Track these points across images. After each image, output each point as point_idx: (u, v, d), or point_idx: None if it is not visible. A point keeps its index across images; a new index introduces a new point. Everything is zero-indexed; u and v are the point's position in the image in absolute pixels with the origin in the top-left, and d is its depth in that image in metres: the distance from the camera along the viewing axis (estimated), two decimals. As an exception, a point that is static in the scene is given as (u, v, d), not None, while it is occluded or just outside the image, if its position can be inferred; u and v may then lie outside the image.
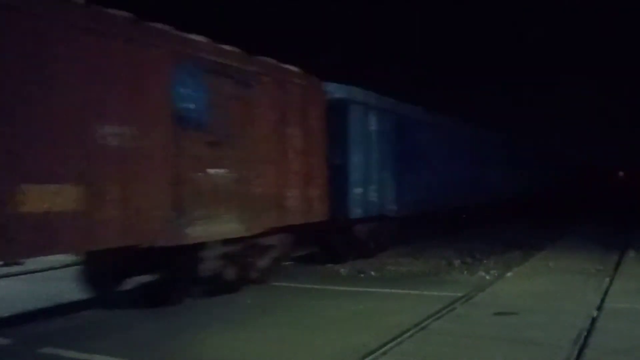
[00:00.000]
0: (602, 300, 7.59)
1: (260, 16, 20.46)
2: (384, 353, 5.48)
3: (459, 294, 8.16)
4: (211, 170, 7.85)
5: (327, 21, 22.39)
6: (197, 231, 7.50)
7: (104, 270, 7.78)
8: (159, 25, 7.36)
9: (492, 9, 24.29)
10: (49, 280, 9.48)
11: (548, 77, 30.35)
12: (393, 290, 8.83)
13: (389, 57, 23.96)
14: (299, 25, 21.23)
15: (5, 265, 9.59)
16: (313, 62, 12.25)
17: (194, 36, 7.88)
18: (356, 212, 11.57)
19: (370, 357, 5.39)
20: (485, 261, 11.85)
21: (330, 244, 11.95)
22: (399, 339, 5.90)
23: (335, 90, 11.26)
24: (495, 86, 28.13)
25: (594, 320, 6.53)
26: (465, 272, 10.60)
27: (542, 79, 30.65)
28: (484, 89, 27.48)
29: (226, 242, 8.15)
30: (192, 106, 7.62)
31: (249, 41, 9.47)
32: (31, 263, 9.71)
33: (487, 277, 9.91)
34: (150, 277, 7.93)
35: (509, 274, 9.99)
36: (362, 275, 10.45)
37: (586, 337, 5.84)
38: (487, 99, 26.94)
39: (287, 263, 10.71)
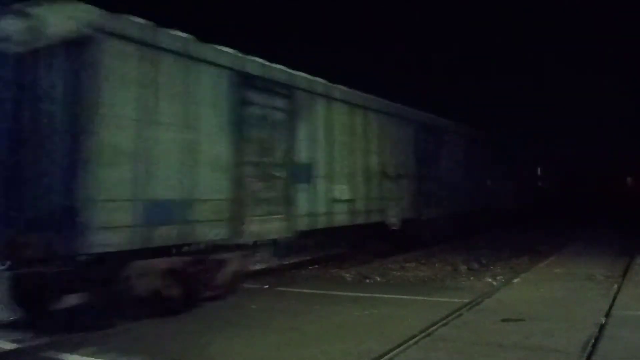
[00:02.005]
0: (610, 307, 7.51)
1: (260, 15, 20.50)
2: (389, 360, 5.44)
3: (466, 300, 8.10)
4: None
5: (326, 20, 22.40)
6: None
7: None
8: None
9: (492, 10, 24.20)
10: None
11: (550, 75, 30.11)
12: (398, 296, 8.77)
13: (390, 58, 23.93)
14: (299, 25, 21.24)
15: None
16: (314, 62, 12.42)
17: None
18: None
19: (376, 363, 5.35)
20: (492, 267, 11.79)
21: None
22: (404, 346, 5.85)
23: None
24: (495, 86, 27.96)
25: (602, 327, 6.46)
26: (472, 278, 10.54)
27: (543, 77, 30.42)
28: (485, 90, 27.32)
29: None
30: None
31: (251, 40, 9.69)
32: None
33: (494, 283, 9.84)
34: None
35: (516, 280, 9.91)
36: (367, 280, 10.40)
37: (594, 345, 5.78)
38: (488, 99, 26.77)
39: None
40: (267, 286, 9.74)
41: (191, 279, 7.80)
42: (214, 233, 8.03)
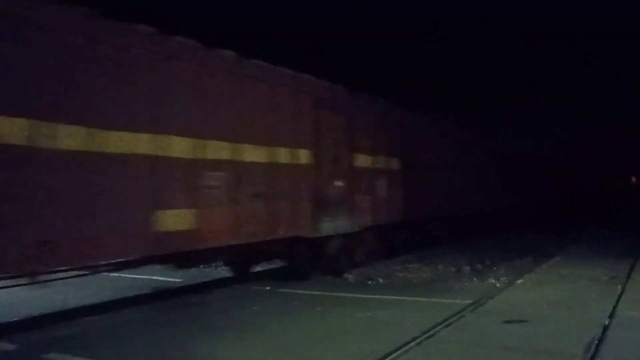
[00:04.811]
0: (614, 308, 7.47)
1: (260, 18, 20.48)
2: (391, 361, 5.41)
3: (468, 302, 8.06)
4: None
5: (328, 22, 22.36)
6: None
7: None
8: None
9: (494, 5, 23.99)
10: (54, 286, 9.47)
11: (553, 78, 29.84)
12: (401, 298, 8.74)
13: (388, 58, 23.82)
14: (300, 26, 21.22)
15: None
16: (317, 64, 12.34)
17: None
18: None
19: (377, 365, 5.33)
20: (495, 268, 11.73)
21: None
22: (406, 347, 5.82)
23: None
24: (497, 87, 27.73)
25: (605, 329, 6.42)
26: (475, 279, 10.49)
27: (547, 79, 30.18)
28: (485, 89, 27.10)
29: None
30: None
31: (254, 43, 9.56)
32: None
33: (497, 285, 9.79)
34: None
35: (519, 281, 9.86)
36: (370, 282, 10.36)
37: (597, 346, 5.74)
38: (489, 99, 26.55)
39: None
40: (268, 287, 9.71)
41: None
42: None
